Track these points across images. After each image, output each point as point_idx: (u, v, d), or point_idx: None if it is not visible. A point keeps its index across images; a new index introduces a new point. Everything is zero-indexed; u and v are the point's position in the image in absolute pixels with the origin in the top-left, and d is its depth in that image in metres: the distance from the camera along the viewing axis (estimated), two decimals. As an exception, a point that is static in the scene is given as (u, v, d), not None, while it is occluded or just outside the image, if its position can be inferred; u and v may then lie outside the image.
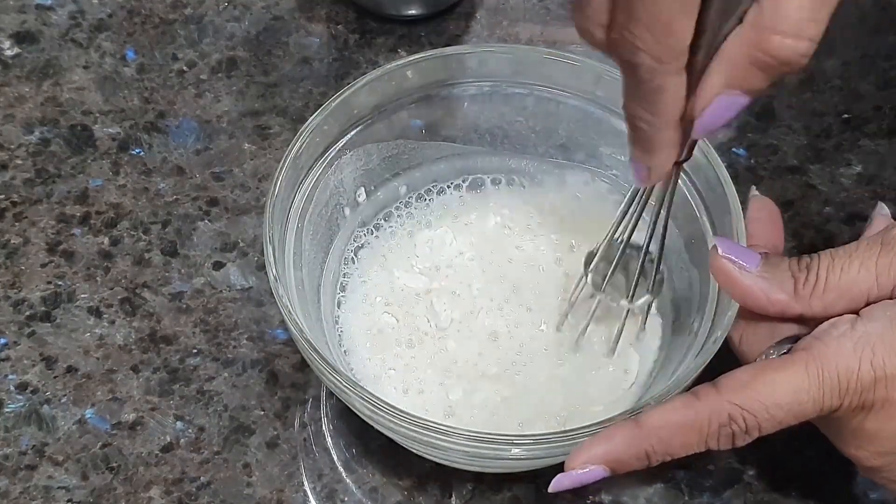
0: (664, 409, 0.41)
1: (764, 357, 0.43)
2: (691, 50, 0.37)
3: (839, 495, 0.49)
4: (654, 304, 0.50)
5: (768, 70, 0.36)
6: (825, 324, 0.41)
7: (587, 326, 0.49)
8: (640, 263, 0.47)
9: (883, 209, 0.49)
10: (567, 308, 0.50)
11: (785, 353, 0.42)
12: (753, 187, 0.50)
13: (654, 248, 0.47)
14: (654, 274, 0.48)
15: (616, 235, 0.47)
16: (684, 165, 0.43)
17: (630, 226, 0.47)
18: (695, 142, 0.42)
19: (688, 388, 0.43)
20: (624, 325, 0.49)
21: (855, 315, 0.41)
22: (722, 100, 0.37)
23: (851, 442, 0.42)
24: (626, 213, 0.47)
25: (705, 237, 0.49)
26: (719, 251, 0.43)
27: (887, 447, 0.41)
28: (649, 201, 0.46)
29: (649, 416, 0.41)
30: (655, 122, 0.39)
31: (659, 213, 0.45)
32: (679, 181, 0.45)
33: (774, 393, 0.40)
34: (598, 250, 0.48)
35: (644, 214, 0.46)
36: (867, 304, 0.41)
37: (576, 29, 0.38)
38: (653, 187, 0.45)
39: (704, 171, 0.48)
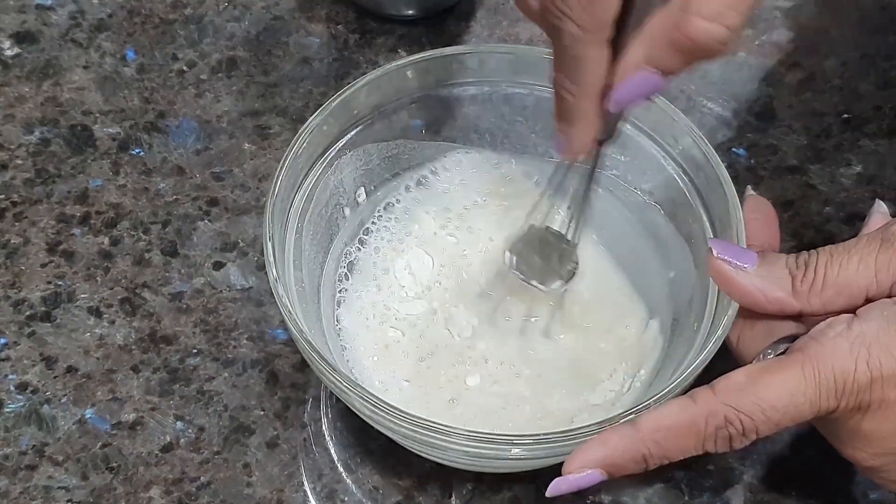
0: (661, 412, 0.41)
1: (761, 357, 0.43)
2: (618, 29, 0.38)
3: (839, 495, 0.49)
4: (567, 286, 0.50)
5: (685, 52, 0.37)
6: (822, 324, 0.41)
7: (499, 303, 0.50)
8: (559, 250, 0.49)
9: (881, 207, 0.49)
10: (496, 297, 0.51)
11: (782, 353, 0.42)
12: (749, 187, 0.50)
13: (571, 233, 0.48)
14: (567, 260, 0.49)
15: (536, 217, 0.49)
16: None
17: (547, 209, 0.49)
18: (617, 122, 0.43)
19: (688, 388, 0.43)
20: (555, 311, 0.50)
21: (852, 314, 0.41)
22: (638, 75, 0.39)
23: (849, 443, 0.42)
24: (546, 194, 0.48)
25: (705, 237, 0.49)
26: (714, 253, 0.43)
27: (885, 447, 0.41)
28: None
29: (646, 420, 0.41)
30: (576, 91, 0.40)
31: (580, 196, 0.47)
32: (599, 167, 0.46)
33: (771, 395, 0.40)
34: (520, 232, 0.50)
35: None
36: (866, 301, 0.41)
37: (515, 1, 0.41)
38: (567, 170, 0.47)
39: (704, 171, 0.48)
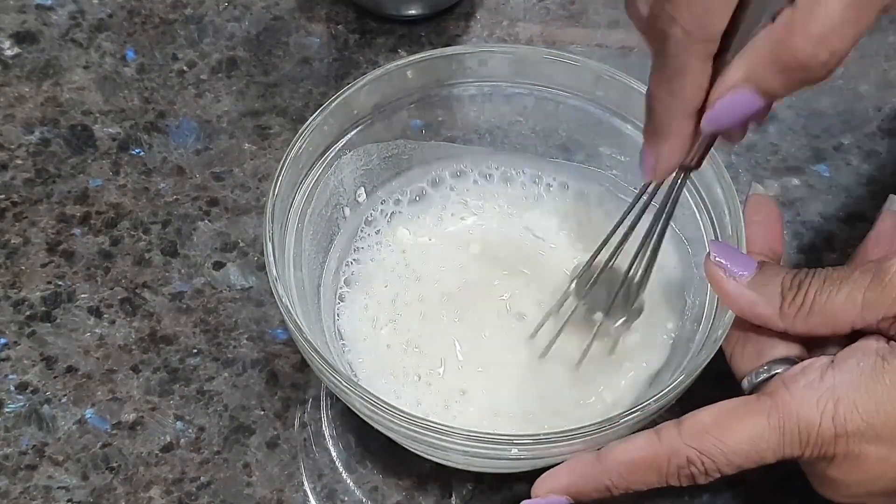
0: (626, 446, 0.42)
1: (752, 378, 0.43)
2: (723, 46, 0.37)
3: (839, 495, 0.49)
4: (630, 325, 0.49)
5: (787, 72, 0.36)
6: (797, 367, 0.42)
7: (558, 335, 0.49)
8: (620, 284, 0.47)
9: (895, 203, 0.49)
10: (545, 317, 0.49)
11: (768, 378, 0.42)
12: (754, 184, 0.50)
13: (639, 270, 0.46)
14: (634, 297, 0.47)
15: (606, 249, 0.47)
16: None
17: (619, 241, 0.46)
18: (706, 150, 0.41)
19: (688, 389, 0.43)
20: (593, 340, 0.48)
21: (830, 359, 0.41)
22: (737, 94, 0.37)
23: (818, 483, 0.43)
24: (620, 226, 0.46)
25: (704, 238, 0.49)
26: (711, 256, 0.43)
27: (852, 492, 0.42)
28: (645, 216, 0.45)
29: (611, 453, 0.42)
30: (672, 104, 0.39)
31: (650, 232, 0.45)
32: (680, 198, 0.45)
33: (734, 440, 0.40)
34: (587, 261, 0.48)
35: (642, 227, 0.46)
36: (852, 331, 0.41)
37: (625, 6, 0.39)
38: (650, 200, 0.45)
39: (704, 171, 0.48)
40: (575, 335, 0.49)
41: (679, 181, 0.43)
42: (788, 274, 0.42)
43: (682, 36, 0.36)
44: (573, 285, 0.48)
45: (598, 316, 0.48)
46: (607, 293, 0.47)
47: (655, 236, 0.45)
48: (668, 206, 0.44)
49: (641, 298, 0.47)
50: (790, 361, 0.42)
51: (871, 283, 0.40)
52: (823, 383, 0.40)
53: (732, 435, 0.40)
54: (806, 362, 0.42)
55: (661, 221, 0.45)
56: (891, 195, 0.49)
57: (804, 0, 0.35)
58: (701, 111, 0.38)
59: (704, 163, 0.48)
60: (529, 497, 0.48)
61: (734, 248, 0.45)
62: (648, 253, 0.45)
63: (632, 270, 0.46)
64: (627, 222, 0.46)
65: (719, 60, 0.37)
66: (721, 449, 0.40)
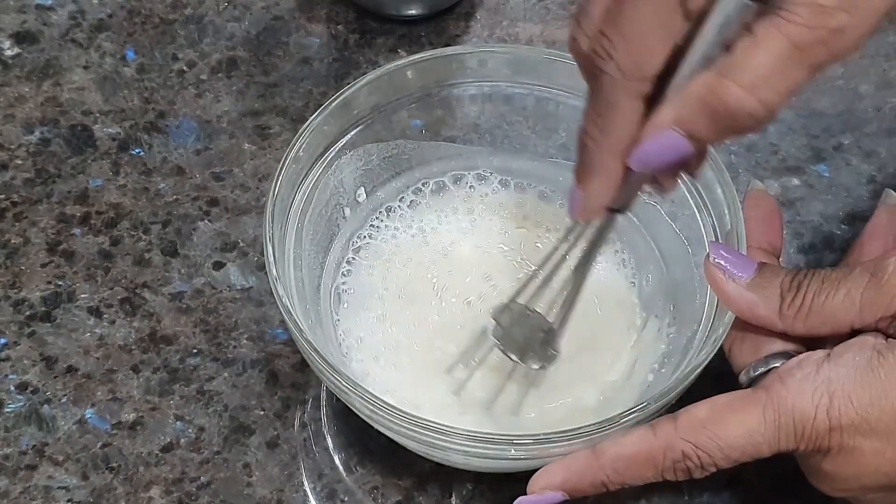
0: (622, 441, 0.42)
1: (750, 371, 0.43)
2: (658, 90, 0.37)
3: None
4: (546, 370, 0.48)
5: (716, 118, 0.36)
6: (794, 360, 0.42)
7: (472, 375, 0.48)
8: (544, 331, 0.47)
9: (891, 196, 0.49)
10: (461, 357, 0.49)
11: (766, 371, 0.42)
12: (753, 179, 0.50)
13: (556, 316, 0.46)
14: (552, 343, 0.47)
15: (527, 289, 0.47)
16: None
17: (541, 283, 0.46)
18: (634, 193, 0.42)
19: (688, 388, 0.43)
20: (504, 384, 0.48)
21: (827, 353, 0.41)
22: (664, 135, 0.37)
23: (813, 477, 0.43)
24: (545, 264, 0.46)
25: (704, 238, 0.49)
26: (711, 258, 0.43)
27: (846, 486, 0.42)
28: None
29: (607, 448, 0.42)
30: (603, 141, 0.39)
31: (575, 280, 0.45)
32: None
33: (729, 434, 0.40)
34: (509, 301, 0.48)
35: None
36: (852, 331, 0.41)
37: (568, 43, 0.39)
38: (575, 241, 0.45)
39: (704, 171, 0.48)
40: (496, 374, 0.49)
41: (604, 224, 0.43)
42: (788, 275, 0.42)
43: (616, 73, 0.37)
44: (491, 325, 0.48)
45: (513, 358, 0.47)
46: (524, 337, 0.47)
47: (572, 284, 0.45)
48: (590, 249, 0.44)
49: (558, 345, 0.47)
50: (788, 355, 0.43)
51: (868, 282, 0.40)
52: (819, 376, 0.40)
53: (728, 429, 0.40)
54: (802, 356, 0.42)
55: (582, 266, 0.45)
56: (886, 189, 0.50)
57: (740, 49, 0.35)
58: (630, 149, 0.39)
59: (706, 163, 0.48)
60: (529, 497, 0.48)
61: (733, 250, 0.45)
62: (565, 300, 0.46)
63: (551, 315, 0.47)
64: (552, 261, 0.46)
65: (654, 104, 0.38)
66: (717, 443, 0.40)
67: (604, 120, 0.38)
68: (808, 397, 0.40)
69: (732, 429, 0.40)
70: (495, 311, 0.48)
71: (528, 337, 0.47)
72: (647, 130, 0.38)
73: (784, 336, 0.43)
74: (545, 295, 0.47)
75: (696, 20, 0.36)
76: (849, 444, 0.40)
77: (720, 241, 0.47)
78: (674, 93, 0.37)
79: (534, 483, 0.43)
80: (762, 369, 0.43)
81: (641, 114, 0.38)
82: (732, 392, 0.42)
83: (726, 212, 0.47)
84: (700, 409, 0.41)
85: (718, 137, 0.37)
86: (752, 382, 0.43)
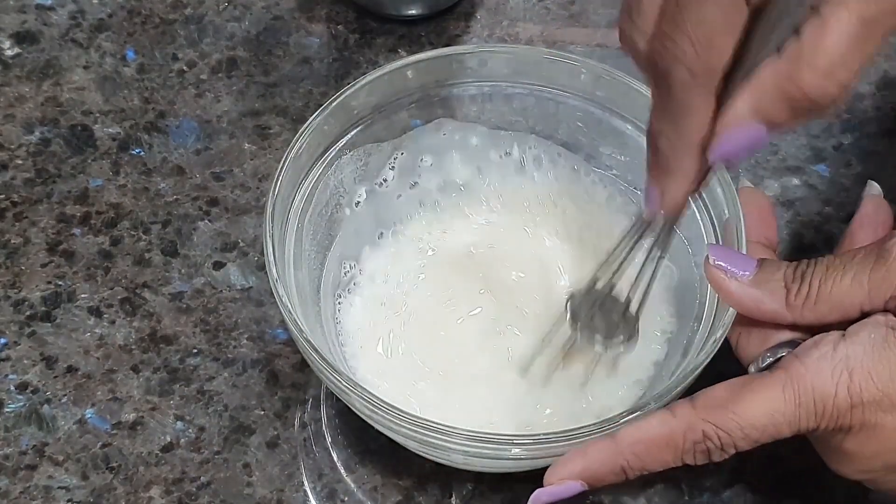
0: (640, 425, 0.41)
1: (759, 362, 0.43)
2: (725, 78, 0.37)
3: (839, 495, 0.49)
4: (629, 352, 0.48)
5: (794, 105, 0.36)
6: (809, 341, 0.41)
7: (557, 366, 0.48)
8: (620, 313, 0.47)
9: (873, 188, 0.49)
10: (540, 346, 0.48)
11: (774, 361, 0.42)
12: (743, 179, 0.50)
13: (636, 298, 0.46)
14: (632, 324, 0.47)
15: (603, 275, 0.47)
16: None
17: (616, 269, 0.46)
18: (706, 177, 0.41)
19: (688, 388, 0.43)
20: (594, 368, 0.48)
21: (841, 333, 0.41)
22: (742, 126, 0.37)
23: (833, 458, 0.43)
24: (617, 252, 0.46)
25: (705, 238, 0.49)
26: (711, 260, 0.43)
27: (868, 466, 0.42)
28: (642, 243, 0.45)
29: (625, 433, 0.41)
30: (678, 141, 0.39)
31: (645, 262, 0.45)
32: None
33: (750, 413, 0.40)
34: (583, 287, 0.47)
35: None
36: (861, 315, 0.41)
37: (619, 37, 0.39)
38: (645, 229, 0.45)
39: (704, 171, 0.48)
40: (573, 361, 0.48)
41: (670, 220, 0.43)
42: (790, 267, 0.42)
43: (687, 75, 0.36)
44: (569, 314, 0.47)
45: (597, 344, 0.47)
46: (605, 321, 0.47)
47: (654, 262, 0.45)
48: (664, 234, 0.44)
49: (638, 325, 0.47)
50: (796, 344, 0.42)
51: (875, 264, 0.40)
52: (837, 354, 0.40)
53: (748, 408, 0.40)
54: (817, 336, 0.41)
55: (658, 249, 0.45)
56: (869, 181, 0.50)
57: (810, 32, 0.35)
58: (704, 142, 0.38)
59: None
60: (529, 497, 0.48)
61: (732, 249, 0.45)
62: (645, 280, 0.46)
63: (628, 296, 0.46)
64: (624, 250, 0.46)
65: (722, 90, 0.37)
66: (737, 423, 0.40)
67: (677, 120, 0.38)
68: (827, 375, 0.40)
69: (753, 409, 0.40)
70: (573, 299, 0.47)
71: (608, 322, 0.47)
72: (726, 123, 0.37)
73: (792, 326, 0.43)
74: (620, 282, 0.47)
75: (758, 5, 0.36)
76: (870, 420, 0.40)
77: (720, 242, 0.47)
78: (744, 82, 0.37)
79: (552, 474, 0.42)
80: (770, 359, 0.42)
81: (714, 107, 0.38)
82: (750, 374, 0.42)
83: (726, 212, 0.47)
84: (719, 391, 0.41)
85: (797, 122, 0.37)
86: None
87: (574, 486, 0.42)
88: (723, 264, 0.43)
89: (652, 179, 0.41)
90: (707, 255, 0.43)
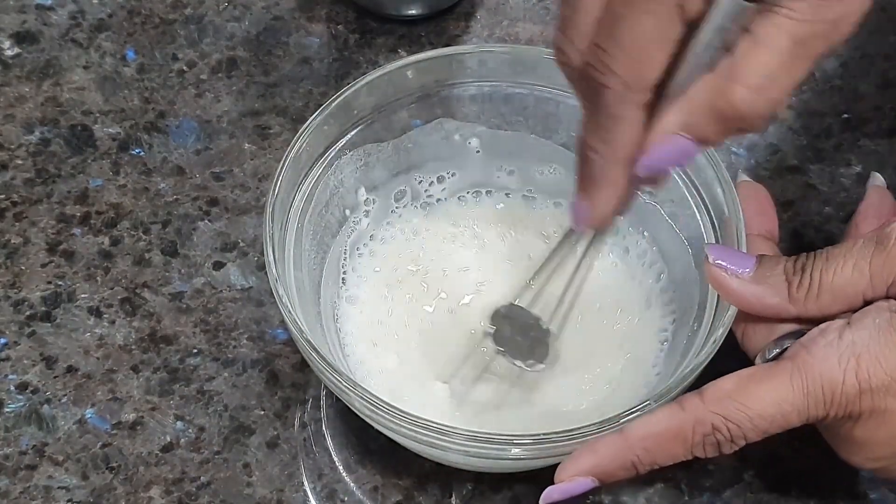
0: (649, 419, 0.41)
1: (766, 353, 0.43)
2: (656, 92, 0.37)
3: (839, 495, 0.49)
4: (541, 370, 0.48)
5: (724, 121, 0.36)
6: (815, 330, 0.41)
7: (476, 379, 0.48)
8: (540, 334, 0.47)
9: (877, 179, 0.50)
10: (460, 361, 0.49)
11: (780, 352, 0.42)
12: (740, 171, 0.50)
13: (555, 317, 0.46)
14: (548, 348, 0.47)
15: (524, 292, 0.47)
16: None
17: (541, 285, 0.47)
18: (633, 196, 0.42)
19: (688, 388, 0.43)
20: (510, 389, 0.48)
21: (846, 321, 0.41)
22: (672, 140, 0.37)
23: (843, 447, 0.43)
24: (544, 267, 0.46)
25: (705, 237, 0.49)
26: (710, 259, 0.43)
27: (879, 453, 0.42)
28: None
29: (635, 428, 0.41)
30: (607, 153, 0.39)
31: (571, 279, 0.45)
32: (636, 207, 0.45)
33: (759, 404, 0.40)
34: (505, 305, 0.48)
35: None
36: (865, 303, 0.41)
37: (553, 49, 0.39)
38: (575, 243, 0.45)
39: (704, 171, 0.48)
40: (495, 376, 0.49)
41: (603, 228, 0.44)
42: (789, 261, 0.42)
43: (619, 87, 0.37)
44: (489, 328, 0.48)
45: (516, 362, 0.48)
46: (524, 339, 0.47)
47: (575, 284, 0.45)
48: (587, 252, 0.45)
49: (556, 346, 0.47)
50: (801, 334, 0.42)
51: (875, 251, 0.41)
52: (843, 342, 0.40)
53: (757, 399, 0.40)
54: (823, 325, 0.41)
55: (580, 269, 0.45)
56: (873, 172, 0.50)
57: (742, 50, 0.35)
58: (633, 156, 0.39)
59: (704, 163, 0.48)
60: (529, 497, 0.48)
61: (730, 248, 0.45)
62: (569, 298, 0.46)
63: (552, 314, 0.47)
64: (550, 264, 0.46)
65: (653, 105, 0.38)
66: (747, 414, 0.40)
67: (607, 132, 0.38)
68: (834, 362, 0.40)
69: (761, 399, 0.40)
70: (494, 315, 0.48)
71: (528, 339, 0.47)
72: (655, 137, 0.38)
73: (797, 319, 0.43)
74: (543, 298, 0.47)
75: (693, 24, 0.36)
76: (880, 406, 0.40)
77: (720, 241, 0.47)
78: (675, 97, 0.37)
79: (562, 471, 0.42)
80: (777, 350, 0.42)
81: (644, 122, 0.38)
82: (756, 365, 0.42)
83: (726, 211, 0.47)
84: (726, 382, 0.41)
85: (725, 138, 0.38)
86: None
87: (585, 483, 0.41)
88: (722, 263, 0.43)
89: (581, 193, 0.41)
90: (706, 255, 0.43)
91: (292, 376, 0.52)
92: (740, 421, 0.40)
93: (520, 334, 0.47)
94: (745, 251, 0.45)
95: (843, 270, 0.41)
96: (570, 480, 0.41)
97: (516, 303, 0.47)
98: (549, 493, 0.42)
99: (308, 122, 0.49)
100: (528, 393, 0.49)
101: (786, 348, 0.42)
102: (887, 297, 0.41)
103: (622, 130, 0.38)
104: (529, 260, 0.53)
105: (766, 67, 0.35)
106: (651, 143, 0.38)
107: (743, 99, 0.36)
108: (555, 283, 0.47)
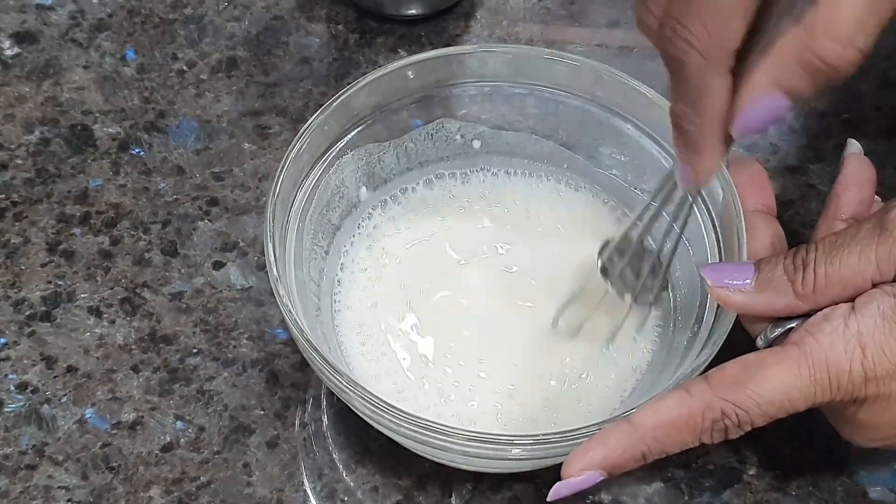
0: (657, 408, 0.41)
1: (767, 334, 0.43)
2: (740, 53, 0.37)
3: (839, 495, 0.49)
4: (653, 307, 0.50)
5: (815, 73, 0.36)
6: (819, 315, 0.41)
7: (588, 316, 0.49)
8: (650, 265, 0.47)
9: (853, 146, 0.49)
10: (571, 297, 0.49)
11: (783, 332, 0.42)
12: (734, 149, 0.50)
13: (666, 251, 0.47)
14: (659, 278, 0.48)
15: (633, 231, 0.47)
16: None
17: (645, 224, 0.47)
18: (731, 143, 0.41)
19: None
20: (624, 321, 0.49)
21: (851, 305, 0.41)
22: (765, 98, 0.37)
23: (846, 429, 0.43)
24: (647, 208, 0.47)
25: (705, 238, 0.49)
26: (709, 283, 0.43)
27: (882, 434, 0.42)
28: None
29: (643, 417, 0.41)
30: (700, 122, 0.39)
31: (678, 216, 0.46)
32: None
33: (766, 389, 0.40)
34: (613, 241, 0.48)
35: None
36: (874, 287, 0.41)
37: (636, 21, 0.39)
38: (672, 189, 0.45)
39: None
40: (602, 316, 0.49)
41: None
42: (787, 257, 0.42)
43: (700, 59, 0.37)
44: (599, 264, 0.48)
45: (627, 296, 0.48)
46: (634, 273, 0.48)
47: (682, 220, 0.46)
48: (693, 195, 0.45)
49: (666, 278, 0.48)
50: (805, 316, 0.42)
51: (880, 238, 0.40)
52: (849, 329, 0.40)
53: (764, 385, 0.40)
54: (827, 310, 0.41)
55: (687, 208, 0.46)
56: (849, 139, 0.50)
57: (825, 1, 0.35)
58: (726, 117, 0.39)
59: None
60: (529, 497, 0.48)
61: (726, 263, 0.45)
62: (674, 240, 0.46)
63: (658, 251, 0.47)
64: (651, 210, 0.46)
65: (739, 65, 0.37)
66: (755, 399, 0.40)
67: (697, 102, 0.38)
68: (840, 351, 0.40)
69: (769, 385, 0.40)
70: (603, 251, 0.48)
71: (635, 271, 0.48)
72: (748, 97, 0.37)
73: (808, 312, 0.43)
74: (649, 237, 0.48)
75: None
76: (885, 391, 0.40)
77: (720, 241, 0.47)
78: (762, 54, 0.37)
79: (570, 466, 0.41)
80: (779, 331, 0.43)
81: (731, 84, 0.38)
82: (762, 350, 0.42)
83: (726, 212, 0.47)
84: (733, 368, 0.41)
85: (818, 90, 0.37)
86: (770, 345, 0.43)
87: (594, 477, 0.41)
88: (725, 281, 0.43)
89: (683, 159, 0.41)
90: (704, 279, 0.43)
91: (292, 376, 0.52)
92: (749, 407, 0.40)
93: (629, 268, 0.48)
94: (744, 259, 0.45)
95: (849, 259, 0.41)
96: (580, 475, 0.41)
97: (627, 237, 0.48)
98: (558, 489, 0.41)
99: (308, 122, 0.49)
100: (527, 399, 0.49)
101: (787, 329, 0.42)
102: (893, 281, 0.41)
103: (710, 98, 0.38)
104: (541, 257, 0.53)
105: (852, 16, 0.35)
106: (743, 105, 0.38)
107: (832, 51, 0.35)
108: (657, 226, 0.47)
